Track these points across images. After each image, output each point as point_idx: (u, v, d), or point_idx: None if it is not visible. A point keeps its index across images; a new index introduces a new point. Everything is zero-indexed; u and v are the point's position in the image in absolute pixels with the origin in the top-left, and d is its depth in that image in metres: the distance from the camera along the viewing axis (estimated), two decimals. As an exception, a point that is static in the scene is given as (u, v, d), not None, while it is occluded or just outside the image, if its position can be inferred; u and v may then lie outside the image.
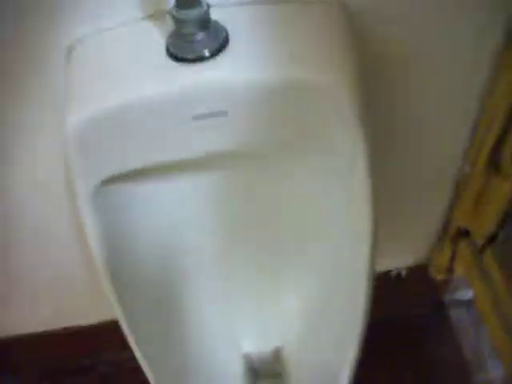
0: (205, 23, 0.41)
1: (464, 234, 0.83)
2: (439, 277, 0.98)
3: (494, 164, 0.68)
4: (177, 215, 0.58)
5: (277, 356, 0.68)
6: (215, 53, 0.43)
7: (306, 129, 0.45)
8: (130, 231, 0.55)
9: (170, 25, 0.43)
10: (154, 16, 0.46)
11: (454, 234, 0.85)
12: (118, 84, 0.44)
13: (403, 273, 1.03)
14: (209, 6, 0.41)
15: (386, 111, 0.62)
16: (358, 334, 0.55)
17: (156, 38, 0.44)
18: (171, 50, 0.43)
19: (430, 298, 1.12)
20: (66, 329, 1.01)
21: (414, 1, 0.51)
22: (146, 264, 0.58)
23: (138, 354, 0.56)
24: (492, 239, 0.76)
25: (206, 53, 0.42)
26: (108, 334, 1.00)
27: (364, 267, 0.51)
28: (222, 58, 0.43)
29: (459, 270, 0.94)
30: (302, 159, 0.51)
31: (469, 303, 1.11)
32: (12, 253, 0.79)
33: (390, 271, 1.02)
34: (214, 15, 0.43)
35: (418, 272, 1.01)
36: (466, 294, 1.10)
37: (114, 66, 0.44)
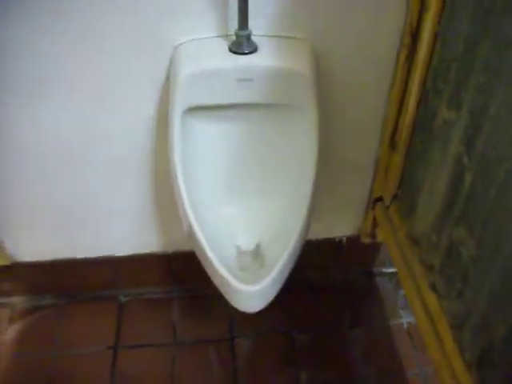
0: (248, 38, 0.93)
1: (379, 200, 1.31)
2: (366, 240, 1.43)
3: (393, 145, 1.18)
4: (213, 145, 1.07)
5: (257, 250, 1.12)
6: (251, 52, 0.94)
7: (289, 92, 0.96)
8: (190, 147, 1.02)
9: (229, 39, 0.95)
10: (222, 36, 0.97)
11: (373, 203, 1.33)
12: (203, 61, 0.94)
13: (344, 240, 1.47)
14: (251, 31, 0.92)
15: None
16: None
17: (223, 44, 0.96)
18: (231, 48, 0.94)
19: (363, 267, 1.56)
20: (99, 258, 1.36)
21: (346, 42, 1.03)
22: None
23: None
24: (394, 197, 1.25)
25: (247, 51, 0.93)
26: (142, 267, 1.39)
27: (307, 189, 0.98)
28: (254, 55, 0.94)
29: (380, 235, 1.40)
30: (283, 114, 1.01)
31: (391, 275, 1.56)
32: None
33: (333, 238, 1.45)
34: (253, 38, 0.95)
35: (355, 240, 1.44)
36: (389, 268, 1.56)
37: (201, 54, 0.95)
